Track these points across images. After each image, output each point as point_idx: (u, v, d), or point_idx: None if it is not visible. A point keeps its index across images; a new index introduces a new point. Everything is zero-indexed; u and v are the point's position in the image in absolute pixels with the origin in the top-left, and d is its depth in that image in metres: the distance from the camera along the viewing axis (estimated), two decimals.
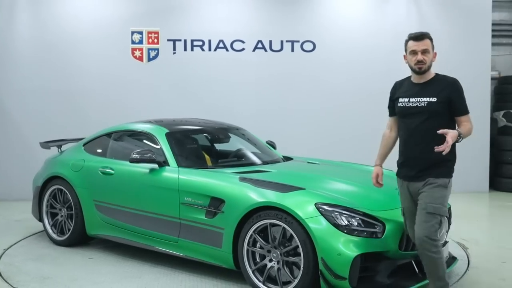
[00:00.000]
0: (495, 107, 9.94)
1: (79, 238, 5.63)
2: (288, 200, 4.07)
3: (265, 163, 5.39)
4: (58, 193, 5.80)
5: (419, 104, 3.73)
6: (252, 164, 5.33)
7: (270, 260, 4.17)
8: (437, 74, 3.82)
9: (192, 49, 8.78)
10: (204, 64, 8.79)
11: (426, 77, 3.77)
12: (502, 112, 9.95)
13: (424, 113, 3.70)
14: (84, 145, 5.95)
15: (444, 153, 3.43)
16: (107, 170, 5.34)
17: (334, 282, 3.85)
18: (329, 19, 8.99)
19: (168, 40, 8.74)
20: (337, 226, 3.93)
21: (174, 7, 8.74)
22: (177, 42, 8.76)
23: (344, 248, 3.85)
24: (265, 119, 8.75)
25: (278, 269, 4.11)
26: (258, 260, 4.25)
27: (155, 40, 8.72)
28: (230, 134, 5.82)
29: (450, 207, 4.58)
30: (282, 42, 8.91)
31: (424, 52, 3.70)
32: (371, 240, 3.94)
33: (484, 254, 5.33)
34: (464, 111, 3.77)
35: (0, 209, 7.67)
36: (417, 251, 3.78)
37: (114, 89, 8.67)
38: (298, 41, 8.92)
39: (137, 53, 8.70)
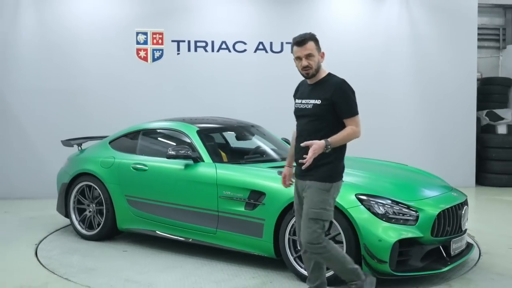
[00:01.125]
0: (478, 107, 10.49)
1: (109, 233, 5.82)
2: None
3: (284, 159, 5.69)
4: (86, 189, 5.98)
5: (307, 106, 3.71)
6: (274, 160, 5.63)
7: None
8: (328, 74, 3.79)
9: (195, 50, 9.02)
10: (207, 64, 9.05)
11: (317, 78, 3.76)
12: (485, 112, 10.57)
13: (310, 115, 3.68)
14: (110, 142, 6.14)
15: (304, 167, 3.43)
16: (140, 166, 5.56)
17: (376, 266, 4.21)
18: (326, 22, 9.37)
19: (172, 41, 8.96)
20: (376, 214, 4.29)
21: (178, 9, 8.97)
22: (181, 43, 8.99)
23: (384, 234, 4.21)
24: (266, 119, 8.96)
25: None
26: (298, 248, 4.56)
27: (160, 41, 8.93)
28: (252, 131, 6.11)
29: (466, 198, 4.99)
30: (282, 43, 9.25)
31: (308, 56, 3.66)
32: (407, 227, 4.31)
33: (490, 242, 5.78)
34: (348, 113, 3.65)
35: (7, 208, 7.73)
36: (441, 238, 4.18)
37: (118, 89, 8.84)
38: None
39: (142, 54, 8.90)
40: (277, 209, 4.60)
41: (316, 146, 3.44)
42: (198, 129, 5.56)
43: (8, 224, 6.77)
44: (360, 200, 4.34)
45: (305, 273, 4.43)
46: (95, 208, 5.91)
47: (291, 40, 9.96)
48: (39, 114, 8.65)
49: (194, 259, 5.15)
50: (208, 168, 5.10)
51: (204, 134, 5.54)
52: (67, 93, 8.68)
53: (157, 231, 5.45)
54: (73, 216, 6.07)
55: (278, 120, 9.06)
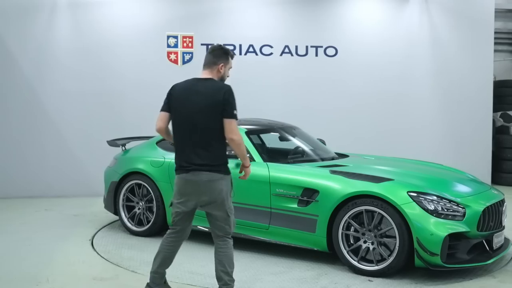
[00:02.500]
0: (492, 109, 10.85)
1: (159, 229, 6.10)
2: (384, 189, 4.72)
3: (322, 159, 6.00)
4: (136, 187, 6.26)
5: None
6: (314, 160, 5.93)
7: (365, 242, 4.80)
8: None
9: None
10: (235, 67, 9.02)
11: None
12: (499, 113, 10.92)
13: None
14: (157, 143, 6.42)
15: None
16: None
17: (428, 258, 4.52)
18: (349, 26, 9.68)
19: (202, 44, 9.24)
20: (427, 210, 4.61)
21: (208, 13, 9.26)
22: (210, 47, 9.25)
23: (435, 229, 4.53)
24: (292, 120, 9.24)
25: (374, 249, 4.75)
26: (352, 242, 4.88)
27: (190, 44, 9.22)
28: (293, 133, 6.41)
29: (504, 197, 5.31)
30: (307, 47, 9.55)
31: None
32: (455, 222, 4.63)
33: None
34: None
35: (47, 206, 7.97)
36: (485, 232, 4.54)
37: (149, 92, 9.07)
38: (321, 47, 9.58)
39: (173, 56, 9.18)
40: (331, 205, 4.90)
41: None
42: (246, 130, 5.85)
43: (54, 221, 7.03)
44: (411, 197, 4.66)
45: (359, 265, 4.78)
46: (144, 205, 6.19)
47: (315, 44, 10.32)
48: (74, 116, 8.90)
49: (247, 253, 5.43)
50: (260, 167, 5.39)
51: (253, 134, 5.84)
52: (101, 96, 8.94)
53: (208, 227, 5.72)
54: (122, 213, 6.34)
55: (303, 121, 9.40)
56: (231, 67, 4.26)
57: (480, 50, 10.05)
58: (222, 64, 4.14)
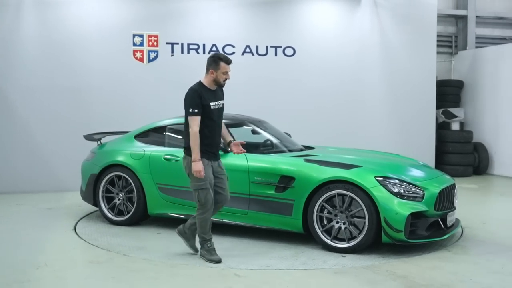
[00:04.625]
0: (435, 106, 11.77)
1: (139, 218, 6.44)
2: (354, 175, 5.30)
3: (291, 150, 6.52)
4: (116, 179, 6.56)
5: (220, 106, 5.09)
6: (283, 151, 6.43)
7: (337, 222, 5.36)
8: None
9: (188, 52, 9.70)
10: (199, 66, 9.59)
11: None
12: (441, 110, 11.85)
13: (222, 111, 5.15)
14: (135, 136, 6.75)
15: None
16: (172, 157, 6.23)
17: (394, 235, 5.13)
18: (306, 28, 10.29)
19: (167, 43, 9.60)
20: (392, 192, 5.21)
21: (173, 13, 9.62)
22: (174, 46, 9.63)
23: (400, 209, 5.14)
24: (254, 116, 9.83)
25: (345, 228, 5.31)
26: (325, 223, 5.42)
27: (155, 43, 9.54)
28: (264, 126, 6.90)
29: (455, 181, 6.02)
30: (267, 47, 10.08)
31: (229, 71, 5.04)
32: (416, 202, 5.26)
33: (466, 220, 6.80)
34: None
35: (18, 200, 8.10)
36: (440, 212, 5.28)
37: (118, 88, 9.37)
38: (280, 47, 10.14)
39: (138, 55, 9.47)
40: (306, 191, 5.43)
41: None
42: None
43: (31, 214, 7.20)
44: (378, 181, 5.25)
45: (333, 244, 5.33)
46: (124, 196, 6.51)
47: (274, 44, 10.83)
48: (41, 112, 9.03)
49: (228, 238, 5.86)
50: (239, 157, 5.83)
51: (227, 128, 6.26)
52: (69, 91, 9.11)
53: (189, 215, 6.10)
54: (102, 204, 6.63)
55: (265, 117, 9.87)
56: (227, 71, 5.00)
57: (424, 51, 10.92)
58: (211, 69, 4.98)
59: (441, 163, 11.32)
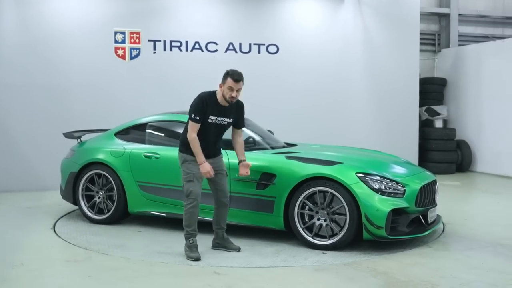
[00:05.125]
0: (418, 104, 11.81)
1: (119, 216, 6.36)
2: (335, 171, 5.27)
3: (273, 147, 6.48)
4: (96, 177, 6.47)
5: (222, 122, 5.07)
6: (266, 148, 6.39)
7: (318, 219, 5.33)
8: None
9: (171, 49, 9.62)
10: (181, 63, 9.67)
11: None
12: (424, 108, 11.89)
13: (223, 128, 5.13)
14: (116, 134, 6.67)
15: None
16: (152, 154, 6.16)
17: (375, 231, 5.11)
18: (289, 25, 10.27)
19: (149, 40, 9.51)
20: (373, 189, 5.19)
21: (155, 10, 9.53)
22: (157, 43, 9.55)
23: (381, 205, 5.12)
24: None
25: (326, 225, 5.29)
26: (306, 220, 5.39)
27: (137, 40, 9.45)
28: (247, 123, 6.82)
29: (436, 178, 6.02)
30: (250, 44, 10.04)
31: (238, 91, 4.94)
32: (397, 199, 5.25)
33: (447, 216, 6.80)
34: (243, 125, 5.29)
35: (0, 200, 8.00)
36: (421, 208, 5.32)
37: (98, 85, 9.26)
38: (264, 44, 10.10)
39: (120, 52, 9.37)
40: (287, 187, 5.39)
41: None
42: None
43: (9, 213, 7.10)
44: (359, 178, 5.23)
45: (314, 241, 5.30)
46: (104, 194, 6.42)
47: (258, 42, 10.82)
48: (20, 111, 8.89)
49: (209, 235, 5.75)
50: None
51: None
52: (49, 90, 8.99)
53: (170, 213, 6.04)
54: (82, 203, 6.53)
55: (248, 115, 9.85)
56: (231, 87, 4.95)
57: (407, 49, 10.95)
58: (220, 83, 5.01)
59: (424, 160, 11.36)
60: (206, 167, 4.92)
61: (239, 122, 5.21)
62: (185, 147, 5.05)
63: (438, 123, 11.83)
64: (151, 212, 6.20)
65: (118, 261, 4.90)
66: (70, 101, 9.10)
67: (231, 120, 5.13)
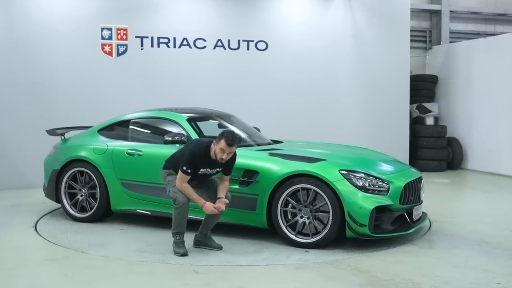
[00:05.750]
0: (409, 101, 11.73)
1: (102, 214, 6.28)
2: (318, 168, 5.20)
3: (258, 144, 6.40)
4: (78, 174, 6.38)
5: (212, 172, 5.07)
6: (251, 145, 6.31)
7: (301, 217, 5.25)
8: None
9: (158, 46, 9.53)
10: (169, 60, 9.58)
11: None
12: (415, 105, 11.83)
13: (214, 174, 5.14)
14: (99, 131, 6.58)
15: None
16: (135, 152, 6.07)
17: (358, 229, 5.04)
18: (278, 22, 10.18)
19: (136, 36, 9.41)
20: (356, 186, 5.12)
21: (142, 6, 9.43)
22: (144, 39, 9.45)
23: (364, 203, 5.06)
24: (225, 111, 9.68)
25: (309, 223, 5.21)
26: (289, 218, 5.31)
27: (124, 37, 9.35)
28: (231, 120, 6.77)
29: (421, 175, 5.96)
30: (239, 41, 9.95)
31: (230, 153, 4.90)
32: (381, 196, 5.18)
33: (435, 214, 6.74)
34: (229, 172, 5.15)
35: None
36: (406, 206, 5.25)
37: (84, 82, 9.15)
38: (252, 41, 10.01)
39: (107, 48, 9.27)
40: (270, 185, 5.31)
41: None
42: (187, 117, 6.15)
43: None
44: (343, 175, 5.16)
45: (297, 239, 5.23)
46: (87, 192, 6.33)
47: (246, 38, 10.70)
48: (5, 107, 8.77)
49: (192, 233, 5.67)
50: None
51: (193, 121, 6.15)
52: (34, 86, 8.86)
53: (153, 210, 5.95)
54: (65, 201, 6.44)
55: (236, 112, 9.75)
56: (223, 149, 4.86)
57: (398, 46, 10.88)
58: (215, 141, 4.94)
59: (415, 158, 11.31)
60: (209, 207, 4.90)
61: (227, 169, 5.12)
62: (171, 167, 5.10)
63: (429, 121, 11.77)
64: (134, 210, 6.11)
65: (96, 260, 4.82)
66: (56, 98, 8.99)
67: (220, 169, 5.10)
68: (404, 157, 10.92)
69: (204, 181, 5.17)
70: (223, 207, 4.98)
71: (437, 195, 8.45)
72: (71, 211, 6.40)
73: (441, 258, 4.89)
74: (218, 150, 4.87)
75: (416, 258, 4.90)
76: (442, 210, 7.09)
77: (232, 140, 4.87)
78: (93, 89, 9.20)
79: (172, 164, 5.11)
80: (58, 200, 6.53)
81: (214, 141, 4.94)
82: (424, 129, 11.42)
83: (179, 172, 4.91)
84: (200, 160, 4.92)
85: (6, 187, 8.58)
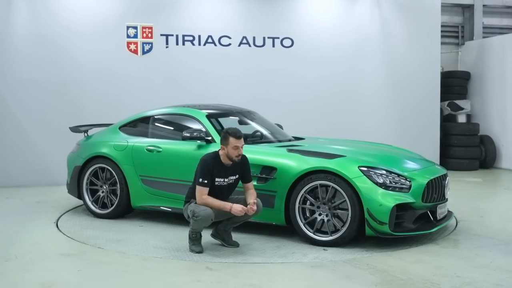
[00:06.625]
0: (440, 98, 11.40)
1: (122, 211, 6.29)
2: (336, 165, 5.07)
3: (280, 141, 6.30)
4: (99, 171, 6.41)
5: (229, 181, 4.92)
6: (272, 142, 6.22)
7: (320, 214, 5.14)
8: None
9: (183, 44, 9.52)
10: (194, 57, 9.57)
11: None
12: (446, 102, 11.51)
13: (233, 184, 4.99)
14: (120, 128, 6.60)
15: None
16: (154, 148, 6.06)
17: (378, 227, 4.89)
18: (304, 19, 10.05)
19: (161, 35, 9.43)
20: (376, 183, 4.97)
21: (167, 4, 9.44)
22: (169, 37, 9.46)
23: (384, 200, 4.90)
24: (250, 108, 9.61)
25: (328, 220, 5.09)
26: (308, 215, 5.20)
27: (149, 35, 9.38)
28: (252, 116, 6.70)
29: (446, 172, 5.76)
30: (264, 38, 9.86)
31: (242, 146, 4.80)
32: (402, 193, 5.01)
33: (463, 213, 6.55)
34: (250, 178, 5.03)
35: (8, 194, 7.99)
36: (429, 204, 5.09)
37: (109, 81, 9.22)
38: (278, 38, 9.91)
39: (132, 47, 9.32)
40: (288, 181, 5.21)
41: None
42: (207, 113, 6.11)
43: (17, 207, 7.10)
44: (362, 171, 5.02)
45: (315, 237, 5.11)
46: (108, 188, 6.36)
47: (272, 35, 10.61)
48: (33, 106, 8.92)
49: (208, 231, 5.67)
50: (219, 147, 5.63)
51: (212, 117, 6.10)
52: (60, 85, 8.99)
53: (173, 207, 5.92)
54: (86, 197, 6.49)
55: (261, 109, 9.67)
56: (237, 145, 4.81)
57: (428, 42, 10.61)
58: (223, 145, 4.87)
59: (446, 156, 11.01)
60: (238, 207, 4.73)
61: (245, 176, 5.00)
62: (192, 196, 4.92)
63: (461, 118, 11.43)
64: (154, 206, 6.10)
65: (111, 255, 4.81)
66: (81, 96, 9.09)
67: (237, 176, 4.98)
68: (435, 155, 10.65)
69: (223, 197, 4.92)
70: (254, 207, 4.82)
71: (467, 194, 8.19)
72: (93, 207, 6.44)
73: (464, 258, 4.70)
74: (231, 149, 4.80)
75: (438, 258, 4.72)
76: (470, 209, 6.85)
77: (239, 131, 4.85)
78: (119, 87, 9.27)
79: (191, 194, 4.94)
80: (80, 196, 6.58)
81: (221, 145, 4.86)
82: (456, 127, 11.10)
83: (197, 187, 4.79)
84: (213, 167, 4.81)
85: (33, 184, 8.73)
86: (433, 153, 10.62)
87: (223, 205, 4.77)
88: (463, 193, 8.30)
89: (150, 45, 9.40)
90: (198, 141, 5.80)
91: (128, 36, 9.30)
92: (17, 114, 8.91)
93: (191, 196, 4.93)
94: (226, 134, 4.83)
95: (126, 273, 4.33)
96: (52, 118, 8.96)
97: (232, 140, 4.78)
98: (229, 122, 6.63)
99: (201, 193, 4.77)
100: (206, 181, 4.77)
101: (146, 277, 4.23)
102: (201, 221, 4.76)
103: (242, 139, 4.87)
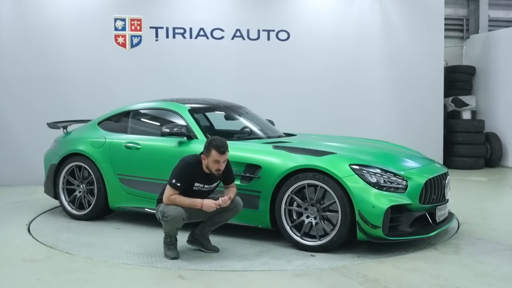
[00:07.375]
0: (444, 94, 10.93)
1: (100, 212, 5.88)
2: (325, 162, 4.63)
3: (269, 137, 5.87)
4: (76, 169, 6.01)
5: (209, 188, 4.55)
6: (261, 138, 5.80)
7: (307, 217, 4.70)
8: None
9: (174, 37, 9.11)
10: (185, 51, 9.15)
11: None
12: (450, 98, 11.04)
13: (211, 190, 4.62)
14: (99, 123, 6.19)
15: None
16: (133, 145, 5.65)
17: (370, 231, 4.46)
18: (301, 11, 9.61)
19: (151, 27, 9.02)
20: (369, 183, 4.53)
21: None
22: (159, 30, 9.05)
23: (377, 201, 4.46)
24: (243, 103, 9.10)
25: (316, 223, 4.66)
26: (295, 217, 4.77)
27: (138, 27, 8.97)
28: (240, 112, 6.28)
29: (448, 170, 5.31)
30: (259, 31, 9.43)
31: (224, 162, 4.40)
32: (397, 194, 4.58)
33: (465, 214, 6.11)
34: (232, 180, 4.68)
35: None
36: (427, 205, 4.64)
37: (97, 74, 8.83)
38: (273, 30, 9.48)
39: (120, 40, 8.92)
40: (273, 181, 4.79)
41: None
42: (189, 108, 5.69)
43: None
44: (354, 170, 4.58)
45: (302, 241, 4.68)
46: (85, 188, 5.96)
47: (267, 28, 10.17)
48: (16, 102, 8.54)
49: (187, 231, 5.25)
50: (202, 145, 5.19)
51: (195, 112, 5.68)
52: (47, 78, 8.61)
53: (152, 208, 5.50)
54: (63, 197, 6.10)
55: (255, 104, 9.26)
56: (218, 160, 4.38)
57: (431, 36, 10.15)
58: (204, 155, 4.43)
59: (450, 154, 10.54)
60: (208, 203, 4.37)
61: (226, 178, 4.62)
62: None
63: (466, 115, 10.96)
64: (132, 207, 5.69)
65: (78, 261, 4.41)
66: (68, 91, 8.70)
67: (218, 181, 4.61)
68: (438, 153, 10.20)
69: (203, 196, 4.52)
70: (228, 200, 4.42)
71: (470, 194, 7.75)
72: (69, 208, 6.04)
73: (465, 266, 4.26)
74: (212, 163, 4.37)
75: (436, 265, 4.28)
76: (473, 210, 6.41)
77: (223, 146, 4.39)
78: (107, 81, 8.87)
79: (163, 193, 4.52)
80: (56, 196, 6.18)
81: (202, 155, 4.42)
82: (460, 124, 10.63)
83: (167, 186, 4.38)
84: (194, 172, 4.40)
85: (19, 183, 8.33)
86: (436, 151, 10.17)
87: (193, 203, 4.37)
88: (466, 193, 7.86)
89: (139, 38, 8.99)
90: (179, 137, 5.38)
91: (116, 29, 8.90)
92: (2, 108, 8.51)
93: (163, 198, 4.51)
94: (209, 145, 4.38)
95: (89, 281, 3.92)
96: (37, 114, 8.53)
97: (214, 153, 4.35)
98: (214, 117, 6.25)
99: (169, 193, 4.36)
100: (179, 185, 4.35)
101: (110, 287, 3.82)
102: (171, 222, 4.35)
103: (226, 154, 4.42)
